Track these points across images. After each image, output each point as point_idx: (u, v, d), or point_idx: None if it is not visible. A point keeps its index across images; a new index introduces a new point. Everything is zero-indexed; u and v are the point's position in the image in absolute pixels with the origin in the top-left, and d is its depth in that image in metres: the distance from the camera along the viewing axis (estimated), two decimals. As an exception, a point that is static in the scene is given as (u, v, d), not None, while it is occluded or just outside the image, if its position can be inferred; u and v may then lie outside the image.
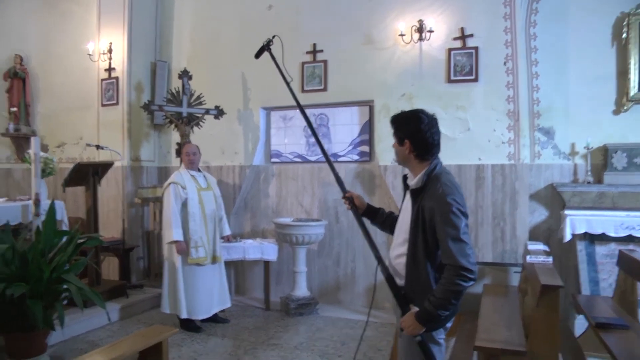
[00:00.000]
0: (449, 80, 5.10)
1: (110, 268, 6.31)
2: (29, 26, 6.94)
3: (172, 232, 4.46)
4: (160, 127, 6.70)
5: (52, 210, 4.01)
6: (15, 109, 6.68)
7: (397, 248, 2.29)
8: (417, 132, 2.18)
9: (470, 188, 4.99)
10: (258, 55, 2.83)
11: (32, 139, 4.39)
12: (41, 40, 6.97)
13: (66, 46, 6.77)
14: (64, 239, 4.14)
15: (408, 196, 2.27)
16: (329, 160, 2.53)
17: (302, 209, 5.74)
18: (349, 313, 5.34)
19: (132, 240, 6.32)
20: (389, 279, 2.26)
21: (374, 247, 2.33)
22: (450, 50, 5.10)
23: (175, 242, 4.49)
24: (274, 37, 2.82)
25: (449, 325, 2.28)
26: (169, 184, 4.59)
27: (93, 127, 6.56)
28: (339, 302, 5.68)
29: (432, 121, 2.22)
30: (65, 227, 4.84)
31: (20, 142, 6.92)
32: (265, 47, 2.72)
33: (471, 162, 4.99)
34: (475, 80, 5.02)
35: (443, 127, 4.99)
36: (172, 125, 5.83)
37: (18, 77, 6.88)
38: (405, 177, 2.35)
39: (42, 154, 4.79)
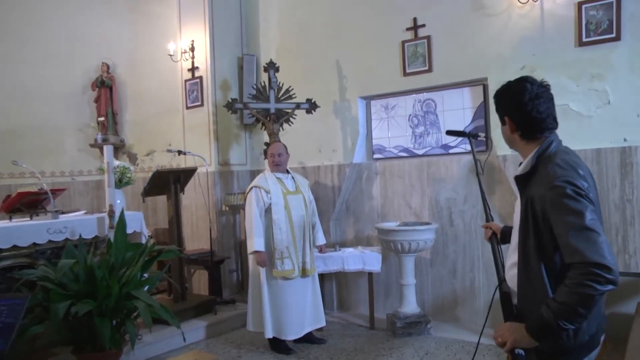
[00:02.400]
0: (580, 43, 4.51)
1: (200, 282, 6.32)
2: (114, 32, 7.19)
3: (253, 241, 4.32)
4: (250, 127, 6.70)
5: (121, 221, 4.01)
6: (102, 118, 6.89)
7: (510, 256, 2.00)
8: (517, 106, 1.95)
9: (613, 177, 4.34)
10: (453, 134, 2.79)
11: (105, 148, 4.44)
12: (126, 46, 7.19)
13: (151, 50, 6.93)
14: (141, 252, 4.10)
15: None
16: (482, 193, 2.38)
17: (411, 210, 5.53)
18: (467, 334, 4.97)
19: (223, 251, 6.31)
20: (504, 296, 1.94)
21: (498, 267, 2.06)
22: (580, 4, 4.47)
23: (256, 252, 4.34)
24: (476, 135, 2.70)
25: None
26: (251, 188, 4.50)
27: (179, 132, 6.66)
28: (456, 320, 5.31)
29: (539, 90, 1.96)
30: (145, 240, 4.85)
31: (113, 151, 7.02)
32: (466, 135, 2.67)
33: (614, 144, 4.36)
34: (617, 38, 4.34)
35: (574, 103, 4.47)
36: (261, 124, 5.79)
37: (105, 85, 7.10)
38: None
39: (117, 162, 4.83)
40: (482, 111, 5.19)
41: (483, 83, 5.14)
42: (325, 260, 5.13)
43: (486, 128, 5.14)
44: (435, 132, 5.43)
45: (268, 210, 4.46)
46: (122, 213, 4.12)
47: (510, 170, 4.84)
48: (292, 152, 5.11)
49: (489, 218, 2.34)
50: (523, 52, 4.80)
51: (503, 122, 2.04)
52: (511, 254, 1.99)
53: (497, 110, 2.05)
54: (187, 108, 6.57)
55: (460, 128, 5.25)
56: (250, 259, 4.56)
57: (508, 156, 4.86)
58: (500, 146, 4.88)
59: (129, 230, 4.52)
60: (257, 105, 5.68)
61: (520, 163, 2.02)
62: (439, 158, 5.37)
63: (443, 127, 5.37)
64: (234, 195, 6.14)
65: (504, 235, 2.29)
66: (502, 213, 4.91)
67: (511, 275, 1.96)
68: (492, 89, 4.86)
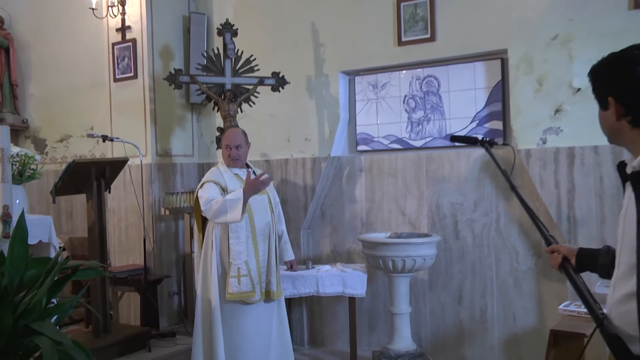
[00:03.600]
0: (636, 5, 4.46)
1: (130, 309, 6.27)
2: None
3: (233, 199, 4.25)
4: (199, 108, 6.72)
5: (20, 229, 3.69)
6: None
7: (618, 286, 1.91)
8: (628, 83, 1.92)
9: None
10: (460, 140, 2.93)
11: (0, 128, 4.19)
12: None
13: (66, 1, 6.93)
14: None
15: (629, 193, 1.93)
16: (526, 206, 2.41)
17: (405, 218, 5.64)
18: (478, 380, 5.08)
19: (161, 268, 6.31)
20: (615, 342, 1.77)
21: (588, 302, 1.93)
22: (633, -48, 4.55)
23: (244, 198, 4.24)
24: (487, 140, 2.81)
25: None
26: (203, 184, 4.51)
27: (104, 112, 6.60)
28: (462, 359, 5.36)
29: None
30: (54, 253, 4.69)
31: (12, 136, 6.80)
32: (480, 142, 2.80)
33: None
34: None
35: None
36: (213, 104, 5.79)
37: None
38: (621, 165, 2.01)
39: (16, 149, 4.66)
40: (499, 92, 5.19)
41: (501, 57, 5.18)
42: (294, 281, 5.18)
43: (504, 115, 5.17)
44: (437, 119, 5.49)
45: (222, 214, 4.51)
46: (22, 217, 3.79)
47: (535, 168, 4.85)
48: (252, 141, 5.04)
49: (549, 239, 2.30)
50: (556, 16, 4.79)
51: (604, 107, 1.99)
52: (621, 282, 1.89)
53: (596, 90, 2.02)
54: (115, 80, 6.50)
55: (471, 113, 5.33)
56: (200, 278, 4.56)
57: (533, 150, 4.87)
58: (523, 138, 4.92)
59: (32, 241, 4.33)
60: (208, 79, 5.68)
61: (621, 162, 1.99)
62: (442, 152, 5.42)
63: (448, 112, 5.42)
64: (177, 195, 6.09)
65: (582, 260, 2.24)
66: (524, 223, 4.94)
67: (623, 312, 1.84)
68: (514, 65, 5.09)
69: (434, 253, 5.00)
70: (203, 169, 6.57)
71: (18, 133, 7.10)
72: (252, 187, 4.24)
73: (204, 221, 4.61)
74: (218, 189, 4.41)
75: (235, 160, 4.58)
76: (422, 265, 4.97)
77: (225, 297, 4.38)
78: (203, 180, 4.55)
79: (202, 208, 4.38)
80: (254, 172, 4.60)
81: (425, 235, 5.14)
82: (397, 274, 4.97)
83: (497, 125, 5.18)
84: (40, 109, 7.20)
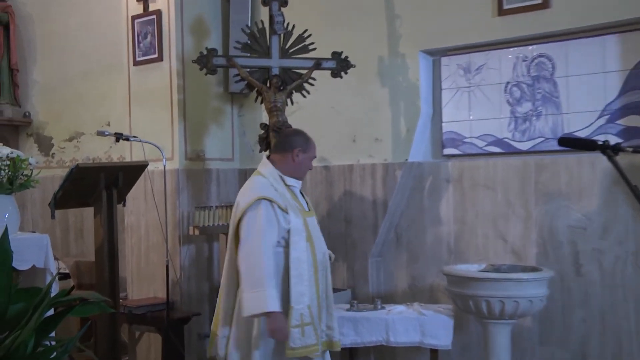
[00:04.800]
0: None
1: (151, 352, 6.26)
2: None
3: (264, 294, 4.15)
4: (241, 99, 6.74)
5: (2, 252, 3.70)
6: None
7: None
8: None
9: None
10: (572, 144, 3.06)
11: None
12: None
13: None
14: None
15: None
16: None
17: (506, 246, 5.56)
18: None
19: (190, 303, 6.29)
20: None
21: None
22: None
23: (269, 314, 4.18)
24: None
25: None
26: (258, 199, 4.34)
27: (122, 104, 6.62)
28: None
29: None
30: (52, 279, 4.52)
31: (5, 133, 7.14)
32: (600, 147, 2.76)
33: None
34: None
35: None
36: (255, 93, 5.75)
37: None
38: None
39: (5, 150, 4.57)
40: (639, 76, 5.10)
41: (645, 27, 5.12)
42: (357, 325, 5.10)
43: (646, 106, 5.07)
44: (551, 113, 5.40)
45: (279, 243, 4.38)
46: (4, 236, 3.79)
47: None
48: None
49: None
50: None
51: None
52: None
53: None
54: (136, 64, 6.55)
55: (599, 105, 5.25)
56: (242, 323, 4.39)
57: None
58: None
59: (24, 266, 4.30)
60: (249, 62, 5.66)
61: None
62: (557, 157, 5.30)
63: (566, 105, 5.35)
64: (211, 210, 6.07)
65: None
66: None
67: None
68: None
69: (544, 294, 4.87)
70: (245, 176, 6.41)
71: (18, 129, 7.21)
72: (275, 326, 4.23)
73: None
74: (277, 212, 4.32)
75: (308, 169, 4.67)
76: (528, 310, 4.84)
77: (286, 354, 4.29)
78: (256, 193, 4.38)
79: (242, 252, 4.30)
80: (301, 192, 4.64)
81: (533, 269, 5.00)
82: (494, 320, 4.85)
83: (637, 121, 5.04)
84: (46, 99, 7.28)
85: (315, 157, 4.67)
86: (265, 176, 4.49)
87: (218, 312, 4.61)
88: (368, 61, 5.90)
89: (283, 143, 4.68)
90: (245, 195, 4.43)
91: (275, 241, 4.33)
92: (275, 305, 4.23)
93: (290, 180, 4.55)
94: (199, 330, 6.23)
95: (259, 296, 4.23)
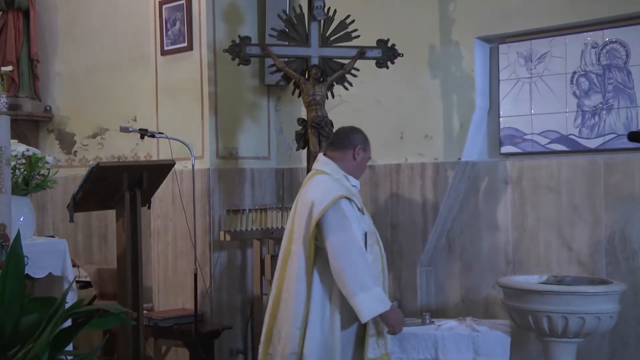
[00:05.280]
0: None
1: None
2: None
3: (377, 291, 4.27)
4: (279, 92, 6.79)
5: (15, 257, 3.69)
6: (9, 68, 6.60)
7: None
8: None
9: None
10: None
11: None
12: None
13: None
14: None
15: None
16: None
17: (571, 255, 5.51)
18: None
19: (220, 315, 6.33)
20: None
21: None
22: None
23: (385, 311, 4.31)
24: None
25: None
26: (338, 198, 4.40)
27: (148, 97, 6.69)
28: None
29: None
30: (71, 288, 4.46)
31: (24, 128, 7.17)
32: None
33: None
34: None
35: None
36: (293, 85, 5.77)
37: (16, 8, 7.18)
38: None
39: (21, 147, 4.64)
40: None
41: None
42: (403, 342, 5.08)
43: None
44: (623, 107, 5.35)
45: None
46: (17, 240, 3.77)
47: None
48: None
49: None
50: None
51: None
52: None
53: None
54: (163, 53, 6.62)
55: None
56: (327, 332, 4.43)
57: None
58: None
59: (40, 273, 4.39)
60: (287, 51, 5.69)
61: None
62: (630, 156, 5.25)
63: None
64: (244, 213, 6.08)
65: None
66: None
67: None
68: None
69: (615, 309, 4.77)
70: (283, 176, 6.59)
71: (38, 125, 7.29)
72: (397, 319, 4.37)
73: (316, 252, 4.54)
74: (358, 220, 4.40)
75: (365, 168, 4.78)
76: (595, 328, 4.75)
77: None
78: (336, 192, 4.41)
79: (337, 252, 4.32)
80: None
81: (602, 282, 4.92)
82: (557, 338, 4.78)
83: None
84: (68, 93, 7.35)
85: (370, 158, 4.72)
86: (331, 175, 4.54)
87: (271, 328, 4.59)
88: (417, 49, 5.86)
89: (343, 140, 4.70)
90: (321, 194, 4.43)
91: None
92: (388, 301, 4.34)
93: (353, 180, 4.62)
94: (230, 345, 6.28)
95: (373, 296, 4.27)
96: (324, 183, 4.54)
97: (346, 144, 4.61)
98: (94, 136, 7.13)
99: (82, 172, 6.79)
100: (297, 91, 5.71)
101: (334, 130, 5.29)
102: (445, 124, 5.86)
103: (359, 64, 5.66)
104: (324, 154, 4.76)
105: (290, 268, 4.57)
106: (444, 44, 5.89)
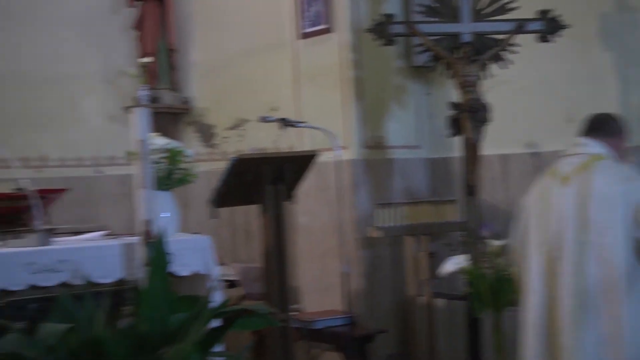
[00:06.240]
0: None
1: None
2: None
3: None
4: (428, 74, 6.76)
5: (159, 256, 3.97)
6: (149, 59, 6.97)
7: None
8: None
9: None
10: None
11: (136, 112, 4.42)
12: None
13: None
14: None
15: None
16: None
17: None
18: None
19: (373, 317, 6.36)
20: None
21: None
22: None
23: None
24: None
25: None
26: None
27: (287, 85, 6.85)
28: None
29: None
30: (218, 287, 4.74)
31: (163, 121, 7.24)
32: None
33: None
34: None
35: None
36: (442, 65, 5.82)
37: None
38: None
39: (162, 141, 4.82)
40: None
41: None
42: None
43: None
44: None
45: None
46: (161, 237, 4.07)
47: None
48: (508, 123, 5.33)
49: None
50: None
51: None
52: None
53: None
54: (302, 37, 6.76)
55: None
56: None
57: None
58: None
59: (184, 271, 4.55)
60: (436, 28, 5.75)
61: None
62: None
63: None
64: (394, 207, 6.13)
65: None
66: None
67: None
68: None
69: None
70: (435, 166, 6.61)
71: (177, 118, 7.50)
72: None
73: None
74: None
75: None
76: None
77: None
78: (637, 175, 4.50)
79: None
80: None
81: None
82: None
83: None
84: (206, 83, 7.51)
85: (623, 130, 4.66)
86: (612, 158, 4.52)
87: (557, 342, 4.55)
88: (586, 19, 5.82)
89: (609, 124, 4.68)
90: (627, 179, 4.43)
91: None
92: None
93: None
94: (385, 350, 6.28)
95: None
96: (619, 167, 4.55)
97: (615, 129, 4.64)
98: (234, 128, 7.23)
99: (223, 166, 6.79)
100: (447, 72, 5.72)
101: (489, 114, 5.36)
102: (622, 104, 5.77)
103: (517, 39, 5.65)
104: (587, 138, 4.68)
105: (595, 264, 4.50)
106: (619, 11, 5.79)
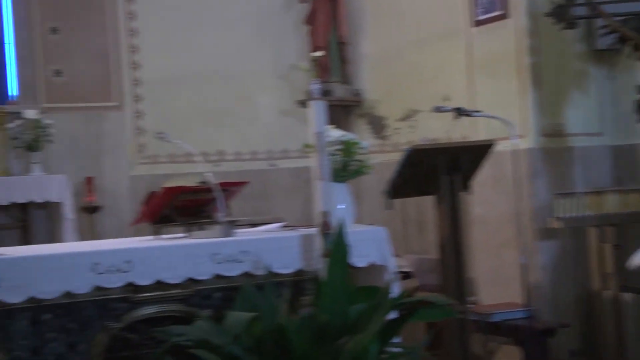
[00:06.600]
0: None
1: None
2: None
3: None
4: (611, 58, 6.61)
5: (339, 247, 4.06)
6: (320, 53, 6.93)
7: None
8: None
9: None
10: None
11: (312, 106, 4.49)
12: None
13: None
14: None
15: None
16: None
17: None
18: None
19: (555, 311, 6.34)
20: None
21: None
22: None
23: None
24: None
25: None
26: None
27: (460, 74, 6.86)
28: None
29: None
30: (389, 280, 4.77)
31: (335, 114, 7.21)
32: None
33: None
34: None
35: None
36: (632, 49, 5.68)
37: None
38: None
39: (337, 133, 4.86)
40: None
41: None
42: None
43: None
44: None
45: None
46: (341, 229, 4.13)
47: None
48: None
49: None
50: None
51: None
52: None
53: None
54: (475, 24, 6.76)
55: None
56: None
57: None
58: None
59: (361, 262, 4.61)
60: (622, 8, 5.71)
61: None
62: None
63: None
64: (575, 197, 6.08)
65: None
66: None
67: None
68: None
69: None
70: (619, 154, 6.52)
71: (348, 110, 7.58)
72: None
73: None
74: None
75: None
76: None
77: None
78: None
79: None
80: None
81: None
82: None
83: None
84: (377, 75, 7.56)
85: None
86: None
87: None
88: None
89: None
90: None
91: None
92: None
93: None
94: (568, 345, 6.22)
95: None
96: None
97: None
98: (405, 119, 7.24)
99: (395, 157, 6.80)
100: (635, 54, 5.62)
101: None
102: None
103: None
104: None
105: None
106: None
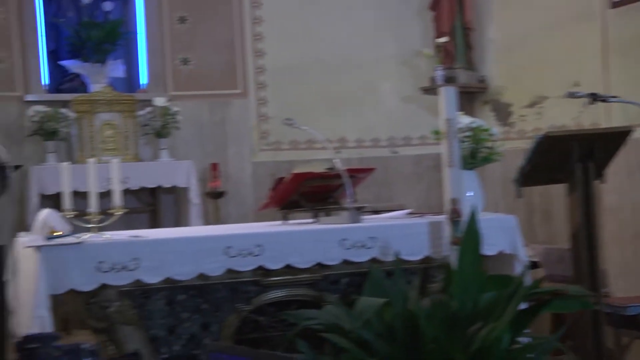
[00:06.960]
0: None
1: None
2: None
3: None
4: None
5: (473, 234, 4.06)
6: (445, 39, 7.09)
7: None
8: None
9: None
10: None
11: (442, 92, 4.52)
12: None
13: None
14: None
15: None
16: None
17: None
18: None
19: None
20: None
21: None
22: None
23: None
24: None
25: None
26: None
27: (594, 59, 6.63)
28: None
29: None
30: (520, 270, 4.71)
31: (460, 101, 7.19)
32: None
33: None
34: None
35: None
36: None
37: None
38: None
39: (467, 119, 4.88)
40: None
41: None
42: None
43: None
44: None
45: None
46: (473, 218, 4.14)
47: None
48: None
49: None
50: None
51: None
52: None
53: None
54: (612, 6, 6.68)
55: None
56: None
57: None
58: None
59: (490, 251, 4.65)
60: None
61: None
62: None
63: None
64: None
65: None
66: None
67: None
68: None
69: None
70: None
71: (473, 97, 7.56)
72: None
73: None
74: None
75: None
76: None
77: None
78: None
79: None
80: None
81: None
82: None
83: None
84: (503, 60, 7.51)
85: None
86: None
87: None
88: None
89: None
90: None
91: None
92: None
93: None
94: None
95: None
96: None
97: None
98: (531, 105, 7.20)
99: (520, 145, 6.92)
100: None
101: None
102: None
103: None
104: None
105: None
106: None
